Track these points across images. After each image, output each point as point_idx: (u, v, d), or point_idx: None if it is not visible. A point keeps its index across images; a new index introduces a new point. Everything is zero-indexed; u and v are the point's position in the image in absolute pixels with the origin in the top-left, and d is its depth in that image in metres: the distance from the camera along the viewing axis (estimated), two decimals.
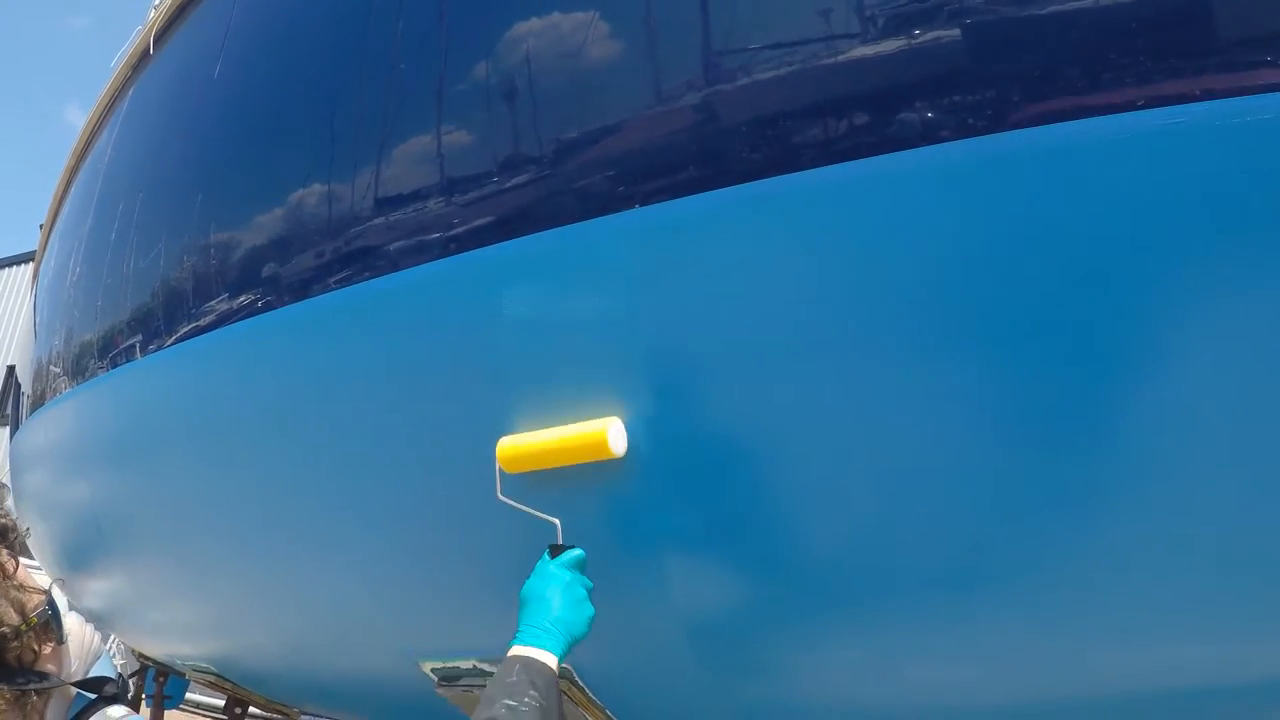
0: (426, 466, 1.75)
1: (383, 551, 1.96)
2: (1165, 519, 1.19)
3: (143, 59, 3.18)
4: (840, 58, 1.24)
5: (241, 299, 2.12)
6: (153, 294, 2.55)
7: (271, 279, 2.04)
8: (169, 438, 2.51)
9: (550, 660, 1.35)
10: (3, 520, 1.25)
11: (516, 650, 1.37)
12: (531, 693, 1.30)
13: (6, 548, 1.24)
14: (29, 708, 1.19)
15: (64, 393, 3.37)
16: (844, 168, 1.21)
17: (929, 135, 1.17)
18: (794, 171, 1.25)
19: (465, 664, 1.88)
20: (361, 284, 1.77)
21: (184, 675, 3.85)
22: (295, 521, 2.15)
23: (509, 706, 1.27)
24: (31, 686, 1.19)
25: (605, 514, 1.52)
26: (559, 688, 1.36)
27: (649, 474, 1.45)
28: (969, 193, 1.16)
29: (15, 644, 1.18)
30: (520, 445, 1.51)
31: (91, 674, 1.31)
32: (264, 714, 4.18)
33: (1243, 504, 1.16)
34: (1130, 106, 1.07)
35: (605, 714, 1.78)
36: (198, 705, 5.64)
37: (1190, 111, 1.05)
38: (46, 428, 3.64)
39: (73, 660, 1.27)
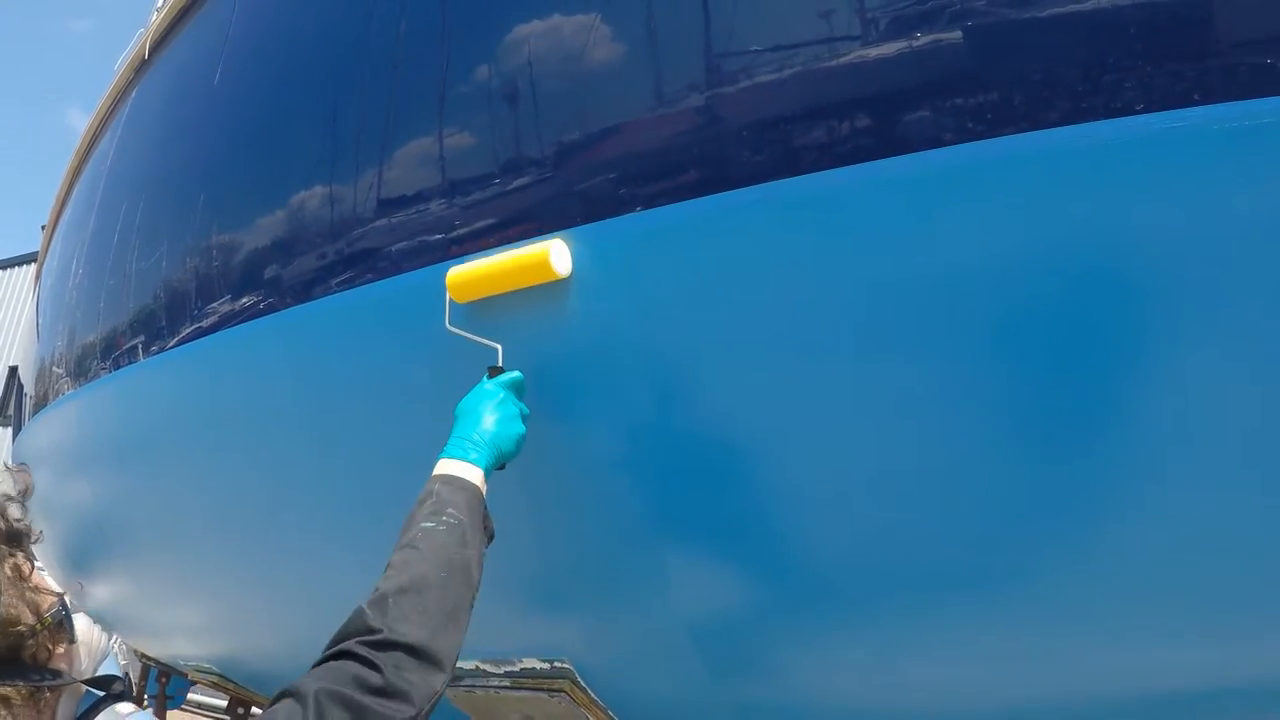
0: (429, 467, 1.76)
1: (385, 552, 1.96)
2: (1166, 518, 1.19)
3: (144, 62, 3.18)
4: (842, 60, 1.24)
5: (244, 300, 2.12)
6: (155, 295, 2.56)
7: (274, 280, 2.04)
8: (172, 438, 2.52)
9: (475, 476, 1.35)
10: (19, 525, 1.28)
11: (441, 466, 1.37)
12: (450, 510, 1.29)
13: (22, 552, 1.27)
14: (42, 703, 1.24)
15: (66, 394, 3.37)
16: (847, 171, 1.22)
17: (930, 139, 1.17)
18: (796, 175, 1.25)
19: (468, 665, 1.89)
20: (364, 286, 1.78)
21: (187, 676, 3.86)
22: (298, 522, 2.16)
23: (425, 529, 1.27)
24: (46, 683, 1.23)
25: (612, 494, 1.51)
26: (483, 505, 1.35)
27: (651, 472, 1.46)
28: (970, 196, 1.16)
29: (31, 642, 1.22)
30: (467, 271, 1.52)
31: (99, 673, 1.35)
32: None
33: (1244, 503, 1.16)
34: (1129, 110, 1.07)
35: (608, 714, 1.78)
36: (200, 706, 5.64)
37: (1189, 116, 1.05)
38: (49, 429, 3.65)
39: (83, 659, 1.32)
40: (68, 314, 3.49)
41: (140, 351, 2.62)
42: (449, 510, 1.29)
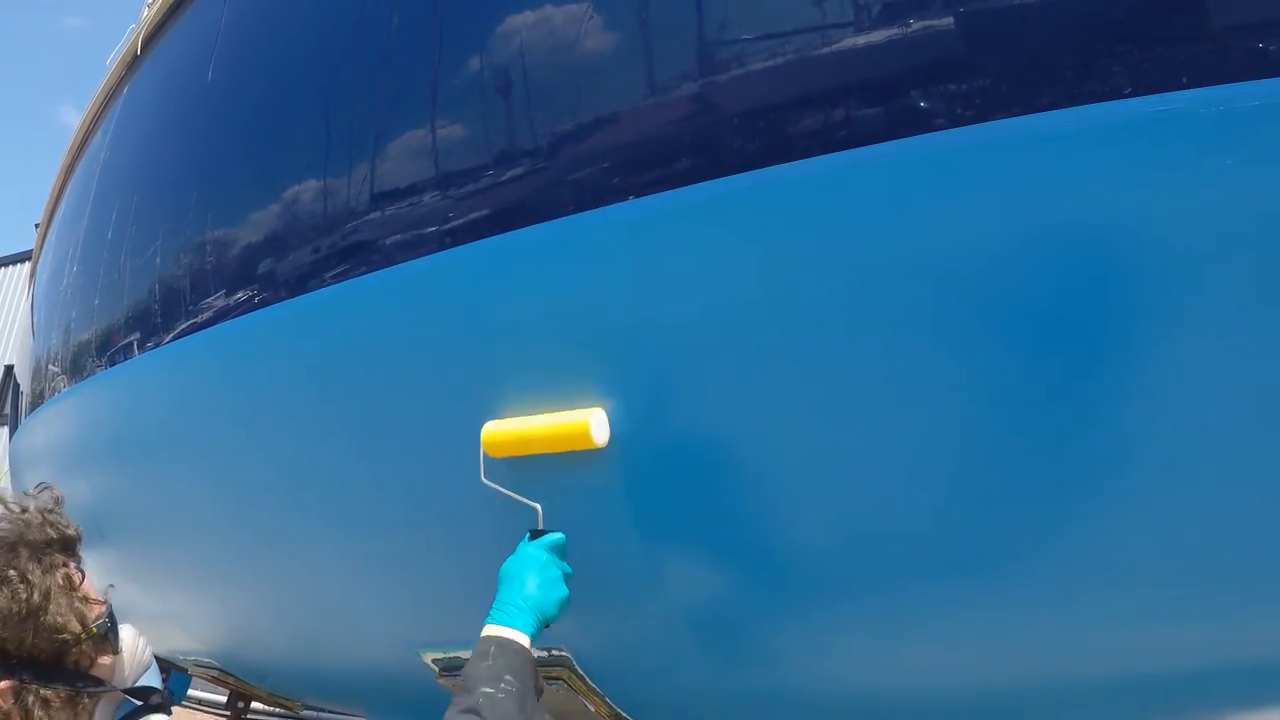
0: (426, 457, 1.76)
1: (384, 542, 1.97)
2: (1159, 500, 1.20)
3: (136, 57, 3.18)
4: (833, 46, 1.25)
5: (238, 295, 2.12)
6: (149, 291, 2.56)
7: (268, 275, 2.05)
8: (168, 434, 2.52)
9: (523, 640, 1.39)
10: (69, 532, 1.31)
11: (490, 630, 1.41)
12: (507, 677, 1.33)
13: (74, 560, 1.30)
14: (80, 708, 1.27)
15: (62, 391, 3.37)
16: (838, 157, 1.22)
17: (921, 124, 1.17)
18: (788, 161, 1.26)
19: (467, 655, 1.89)
20: (357, 279, 1.78)
21: (186, 671, 3.86)
22: (297, 514, 2.16)
23: (486, 694, 1.31)
24: (87, 690, 1.27)
25: (590, 502, 1.54)
26: (533, 667, 1.40)
27: (643, 466, 1.46)
28: (961, 181, 1.17)
29: (75, 650, 1.25)
30: (504, 431, 1.54)
31: (140, 684, 1.38)
32: (266, 709, 4.19)
33: (1236, 486, 1.17)
34: (1117, 95, 1.07)
35: (606, 702, 1.79)
36: (199, 701, 5.64)
37: (1178, 99, 1.06)
38: (46, 426, 3.64)
39: (125, 669, 1.35)
40: (62, 311, 3.49)
41: (136, 347, 2.62)
42: (506, 677, 1.33)
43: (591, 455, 1.46)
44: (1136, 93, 1.07)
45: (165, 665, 4.06)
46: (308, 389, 1.97)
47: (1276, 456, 1.14)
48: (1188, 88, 1.05)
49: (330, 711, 3.85)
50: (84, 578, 1.29)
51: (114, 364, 2.79)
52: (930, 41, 1.18)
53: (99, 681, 1.28)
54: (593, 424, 1.43)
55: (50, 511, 1.31)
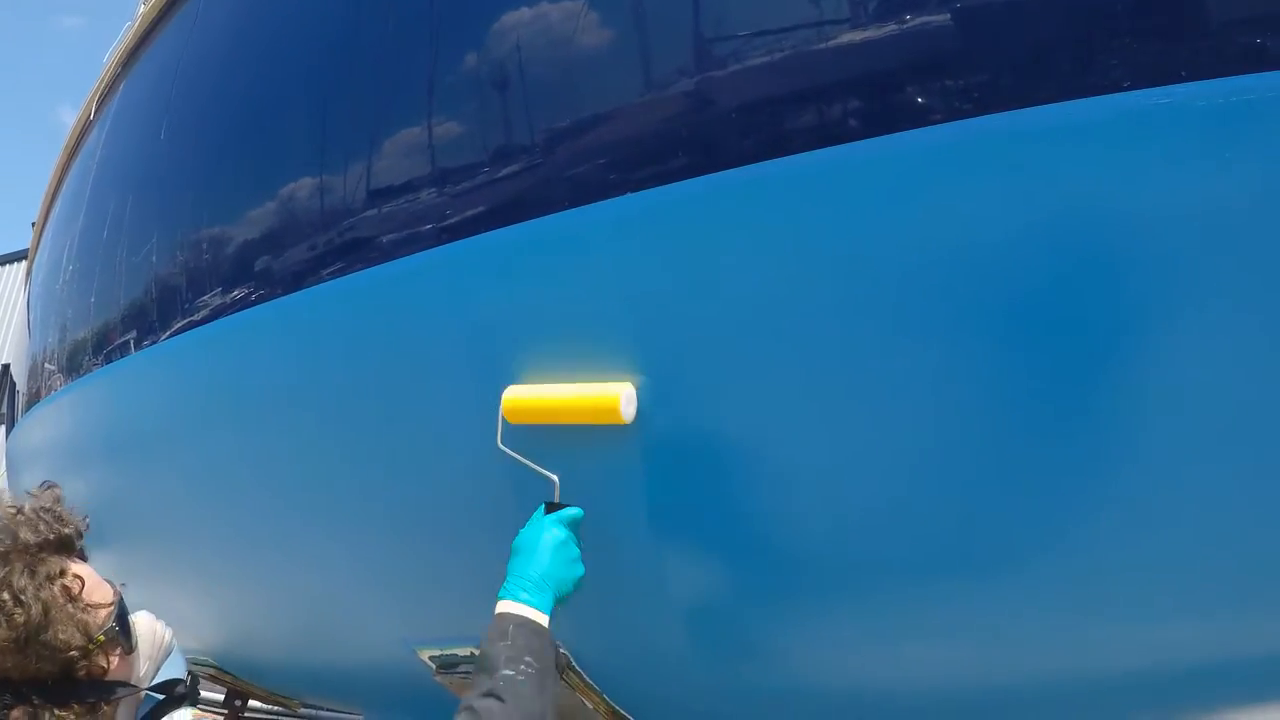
0: (423, 455, 1.76)
1: (381, 539, 1.96)
2: (1159, 497, 1.20)
3: (132, 55, 3.17)
4: (830, 42, 1.24)
5: (235, 293, 2.12)
6: (145, 289, 2.55)
7: (264, 272, 2.04)
8: (164, 431, 2.52)
9: (540, 619, 1.34)
10: (66, 530, 1.24)
11: (505, 606, 1.35)
12: (527, 659, 1.28)
13: (73, 560, 1.23)
14: (100, 715, 1.21)
15: (59, 389, 3.36)
16: (834, 151, 1.22)
17: (918, 118, 1.17)
18: (784, 155, 1.25)
19: (463, 651, 1.89)
20: (354, 274, 1.78)
21: None
22: (293, 511, 2.16)
23: (506, 677, 1.26)
24: (103, 699, 1.21)
25: (605, 480, 1.50)
26: (552, 645, 1.35)
27: (643, 458, 1.46)
28: (958, 175, 1.16)
29: (84, 663, 1.19)
30: (527, 397, 1.49)
31: (163, 671, 1.33)
32: (264, 707, 4.19)
33: (1235, 481, 1.17)
34: (1116, 88, 1.07)
35: (603, 699, 1.79)
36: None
37: (1175, 92, 1.05)
38: (42, 425, 3.64)
39: (143, 662, 1.29)
40: (58, 310, 3.48)
41: (132, 345, 2.62)
42: (526, 658, 1.28)
43: (606, 438, 1.42)
44: (1135, 86, 1.06)
45: None
46: (306, 386, 1.97)
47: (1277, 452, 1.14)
48: (1186, 80, 1.05)
49: (328, 709, 3.84)
50: (84, 583, 1.22)
51: (109, 361, 2.78)
52: (927, 35, 1.18)
53: (113, 688, 1.22)
54: (623, 399, 1.38)
55: (47, 510, 1.24)
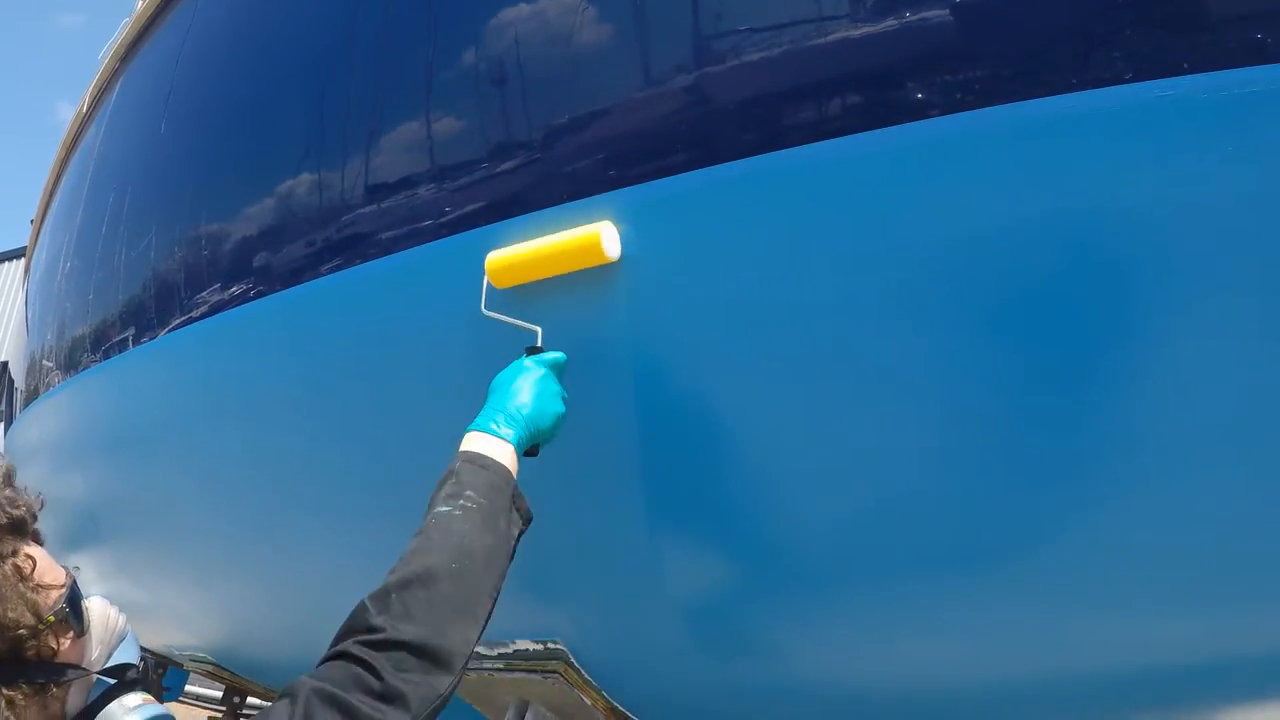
0: (423, 450, 1.75)
1: (380, 535, 1.95)
2: (1158, 493, 1.19)
3: (130, 49, 3.16)
4: (829, 37, 1.24)
5: (233, 289, 2.12)
6: (144, 285, 2.55)
7: (262, 268, 2.04)
8: (163, 427, 2.51)
9: (503, 452, 1.25)
10: (16, 512, 1.20)
11: (468, 440, 1.27)
12: (468, 493, 1.19)
13: (24, 543, 1.20)
14: (49, 697, 1.20)
15: (57, 386, 3.36)
16: (832, 144, 1.21)
17: (917, 111, 1.16)
18: (782, 149, 1.25)
19: None
20: (353, 269, 1.77)
21: (182, 667, 3.86)
22: (292, 507, 2.16)
23: (439, 514, 1.19)
24: (52, 681, 1.19)
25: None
26: (510, 482, 1.25)
27: (639, 456, 1.45)
28: (958, 169, 1.16)
29: (33, 643, 1.17)
30: (508, 255, 1.44)
31: (116, 655, 1.30)
32: (263, 704, 4.19)
33: (1236, 478, 1.16)
34: (1118, 80, 1.07)
35: (601, 695, 1.78)
36: (195, 697, 5.64)
37: (1179, 85, 1.05)
38: (40, 421, 3.64)
39: (95, 646, 1.26)
40: (57, 306, 3.48)
41: (130, 341, 2.61)
42: (467, 493, 1.19)
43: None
44: (1138, 78, 1.06)
45: (162, 661, 4.06)
46: (305, 382, 1.97)
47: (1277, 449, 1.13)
48: (1189, 73, 1.04)
49: None
50: (35, 564, 1.18)
51: (108, 357, 2.78)
52: (926, 27, 1.17)
53: (64, 670, 1.20)
54: (604, 235, 1.33)
55: None
